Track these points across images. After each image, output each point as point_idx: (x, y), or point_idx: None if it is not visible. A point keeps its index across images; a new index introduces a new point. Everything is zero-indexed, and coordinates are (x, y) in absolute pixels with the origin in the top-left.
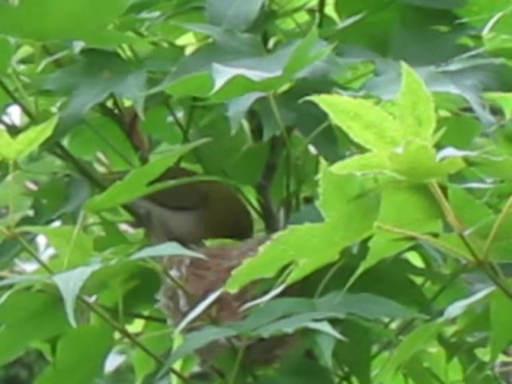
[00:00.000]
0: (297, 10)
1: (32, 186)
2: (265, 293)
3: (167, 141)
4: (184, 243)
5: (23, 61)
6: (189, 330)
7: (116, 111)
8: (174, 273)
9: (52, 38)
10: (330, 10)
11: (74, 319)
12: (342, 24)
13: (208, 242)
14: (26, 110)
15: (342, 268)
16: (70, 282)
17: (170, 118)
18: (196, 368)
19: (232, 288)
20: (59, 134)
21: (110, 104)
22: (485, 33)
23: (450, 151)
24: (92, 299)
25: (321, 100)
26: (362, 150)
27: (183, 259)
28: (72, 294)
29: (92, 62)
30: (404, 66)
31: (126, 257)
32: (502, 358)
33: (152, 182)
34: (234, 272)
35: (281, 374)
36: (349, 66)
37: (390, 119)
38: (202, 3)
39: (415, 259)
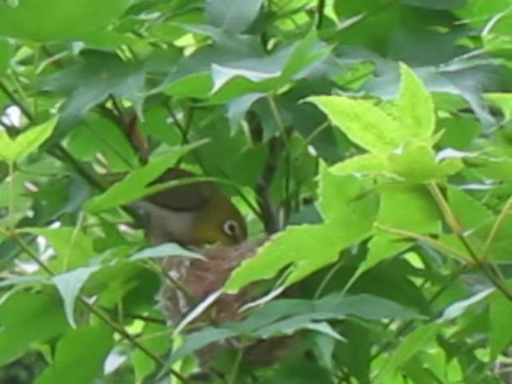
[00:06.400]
0: (296, 11)
1: (32, 187)
2: (265, 294)
3: (167, 142)
4: (183, 244)
5: (22, 62)
6: (188, 331)
7: (115, 112)
8: (173, 274)
9: (51, 39)
10: (329, 10)
11: (73, 320)
12: (341, 25)
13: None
14: (25, 111)
15: (341, 269)
16: (69, 283)
17: (170, 119)
18: (196, 369)
19: (231, 289)
20: (59, 135)
21: (109, 105)
22: (484, 34)
23: (449, 152)
24: (91, 300)
25: (320, 101)
26: (361, 150)
27: (183, 260)
28: (71, 295)
29: (91, 63)
30: (403, 66)
31: (126, 258)
32: (501, 359)
33: (152, 183)
34: (233, 273)
35: (280, 375)
36: (348, 67)
37: (389, 120)
38: (202, 4)
39: (415, 260)
